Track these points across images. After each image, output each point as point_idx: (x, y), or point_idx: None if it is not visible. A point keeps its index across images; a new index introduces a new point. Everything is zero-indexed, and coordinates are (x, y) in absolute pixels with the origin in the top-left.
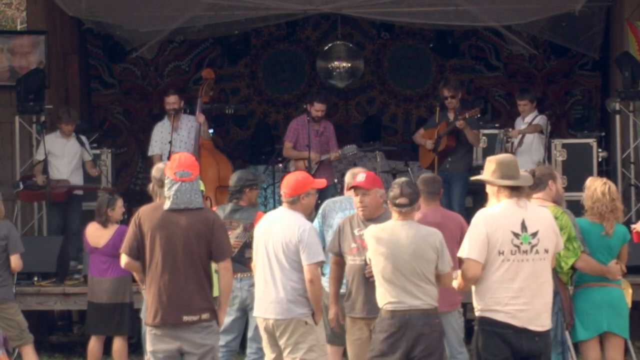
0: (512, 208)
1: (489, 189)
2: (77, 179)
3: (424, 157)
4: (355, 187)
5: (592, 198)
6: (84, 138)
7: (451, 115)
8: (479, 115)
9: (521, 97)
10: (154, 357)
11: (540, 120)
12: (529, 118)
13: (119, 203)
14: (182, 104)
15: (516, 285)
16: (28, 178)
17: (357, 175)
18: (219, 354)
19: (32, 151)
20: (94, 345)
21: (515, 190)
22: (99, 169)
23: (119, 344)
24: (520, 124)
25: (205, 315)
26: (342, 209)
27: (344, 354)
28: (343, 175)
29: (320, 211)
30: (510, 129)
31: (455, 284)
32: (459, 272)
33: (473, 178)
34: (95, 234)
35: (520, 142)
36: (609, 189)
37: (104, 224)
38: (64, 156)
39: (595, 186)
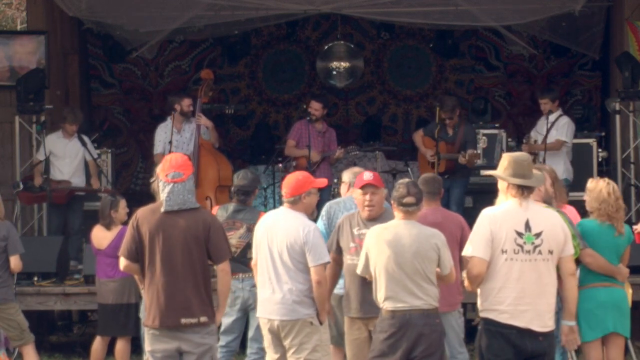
0: (517, 208)
1: (500, 184)
2: (79, 180)
3: (423, 166)
4: (366, 185)
5: (598, 199)
6: (86, 138)
7: (450, 131)
8: (477, 162)
9: (541, 95)
10: (152, 356)
11: (563, 125)
12: (552, 117)
13: (122, 204)
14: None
15: (520, 285)
16: (29, 179)
17: (361, 173)
18: (217, 354)
19: (32, 151)
20: (98, 345)
21: (525, 190)
22: (96, 177)
23: (122, 345)
24: (544, 122)
25: (203, 318)
26: (347, 208)
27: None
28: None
29: (324, 212)
30: (531, 136)
31: (465, 283)
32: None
33: (486, 173)
34: (99, 236)
35: (544, 142)
36: (613, 188)
37: (108, 226)
38: (65, 156)
39: (600, 187)
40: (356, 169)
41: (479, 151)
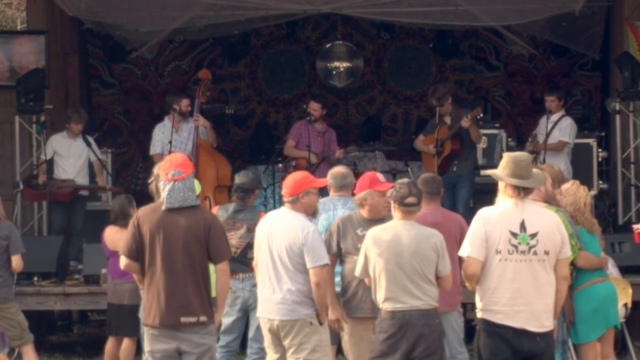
0: (512, 208)
1: (499, 183)
2: (83, 180)
3: (428, 163)
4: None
5: (574, 205)
6: (90, 139)
7: (447, 119)
8: (481, 115)
9: (549, 93)
10: (152, 356)
11: (566, 126)
12: (555, 117)
13: (134, 202)
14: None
15: (514, 285)
16: (34, 177)
17: (374, 175)
18: (217, 354)
19: (32, 151)
20: (111, 345)
21: (522, 190)
22: (102, 177)
23: (128, 344)
24: (545, 121)
25: (203, 318)
26: (326, 210)
27: (338, 352)
28: None
29: None
30: (537, 134)
31: (466, 283)
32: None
33: (485, 172)
34: (114, 237)
35: (545, 142)
36: (589, 199)
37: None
38: (70, 156)
39: (580, 195)
40: (334, 170)
41: (480, 146)
